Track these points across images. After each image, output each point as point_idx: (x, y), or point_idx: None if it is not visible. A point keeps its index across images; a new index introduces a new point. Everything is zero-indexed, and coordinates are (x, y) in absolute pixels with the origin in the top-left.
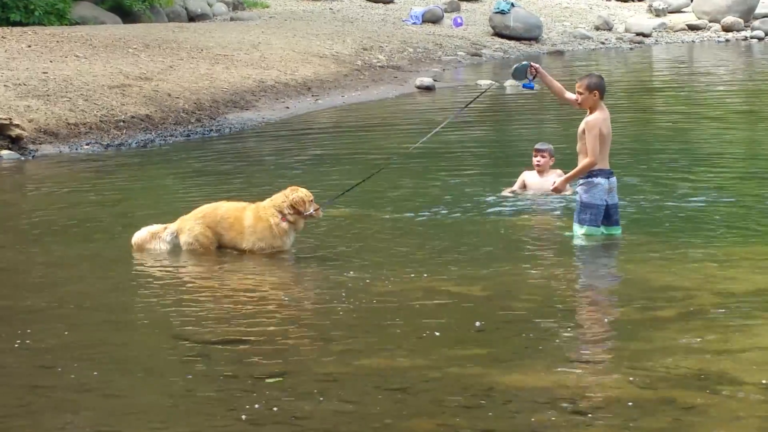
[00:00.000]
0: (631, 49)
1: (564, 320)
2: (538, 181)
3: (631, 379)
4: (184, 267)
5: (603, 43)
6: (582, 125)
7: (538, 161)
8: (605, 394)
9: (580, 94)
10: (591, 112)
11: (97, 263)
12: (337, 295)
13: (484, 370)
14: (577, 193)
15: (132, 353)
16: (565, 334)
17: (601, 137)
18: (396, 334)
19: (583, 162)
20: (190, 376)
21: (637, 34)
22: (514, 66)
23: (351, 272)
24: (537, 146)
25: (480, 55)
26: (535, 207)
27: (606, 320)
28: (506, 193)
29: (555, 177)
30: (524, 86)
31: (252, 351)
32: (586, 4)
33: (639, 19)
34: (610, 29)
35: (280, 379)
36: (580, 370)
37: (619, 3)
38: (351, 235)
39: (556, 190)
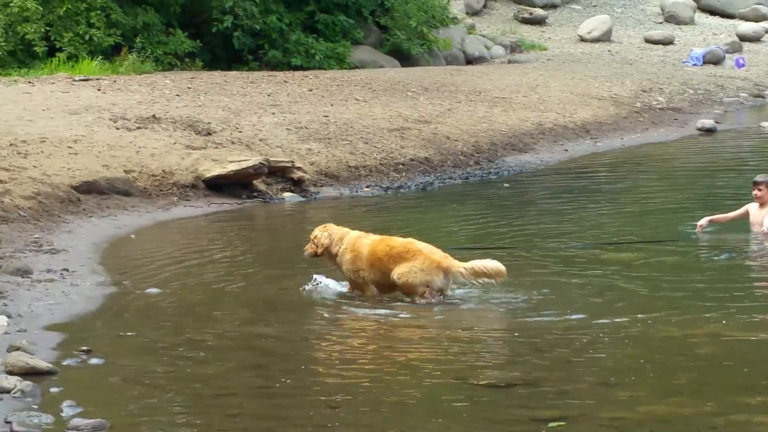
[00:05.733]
0: None
1: None
2: (759, 214)
3: None
4: (465, 309)
5: None
6: None
7: (755, 194)
8: None
9: None
10: None
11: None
12: (619, 339)
13: None
14: None
15: (414, 394)
16: None
17: None
18: (680, 380)
19: None
20: (472, 419)
21: None
22: None
23: (639, 314)
24: (756, 179)
25: (763, 97)
26: None
27: None
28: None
29: None
30: None
31: (533, 394)
32: None
33: None
34: None
35: (562, 423)
36: None
37: None
38: (639, 277)
39: None
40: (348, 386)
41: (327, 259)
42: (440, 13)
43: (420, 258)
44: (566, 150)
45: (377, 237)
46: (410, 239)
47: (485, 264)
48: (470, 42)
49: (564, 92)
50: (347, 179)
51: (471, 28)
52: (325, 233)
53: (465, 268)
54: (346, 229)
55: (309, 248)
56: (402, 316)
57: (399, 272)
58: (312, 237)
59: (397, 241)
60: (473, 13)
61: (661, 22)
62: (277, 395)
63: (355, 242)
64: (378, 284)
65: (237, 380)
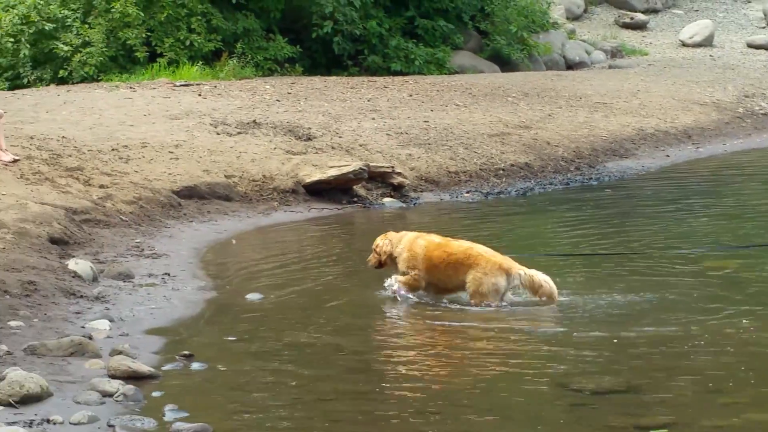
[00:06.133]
0: None
1: None
2: None
3: None
4: (560, 315)
5: None
6: None
7: None
8: None
9: None
10: None
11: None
12: (720, 345)
13: None
14: None
15: (516, 401)
16: None
17: None
18: None
19: None
20: (572, 426)
21: None
22: None
23: (741, 320)
24: None
25: None
26: None
27: None
28: None
29: None
30: None
31: (634, 401)
32: None
33: None
34: None
35: (665, 430)
36: None
37: None
38: (740, 282)
39: None
40: (447, 392)
41: (391, 266)
42: (540, 18)
43: (482, 263)
44: (668, 156)
45: (435, 240)
46: (470, 244)
47: (545, 279)
48: (570, 47)
49: (665, 98)
50: (447, 185)
51: (571, 33)
52: (386, 240)
53: (525, 273)
54: (404, 232)
55: (372, 258)
56: (493, 322)
57: (469, 280)
58: (374, 247)
59: (457, 248)
60: (574, 18)
61: (763, 27)
62: (378, 400)
63: (412, 242)
64: (432, 287)
65: (337, 385)
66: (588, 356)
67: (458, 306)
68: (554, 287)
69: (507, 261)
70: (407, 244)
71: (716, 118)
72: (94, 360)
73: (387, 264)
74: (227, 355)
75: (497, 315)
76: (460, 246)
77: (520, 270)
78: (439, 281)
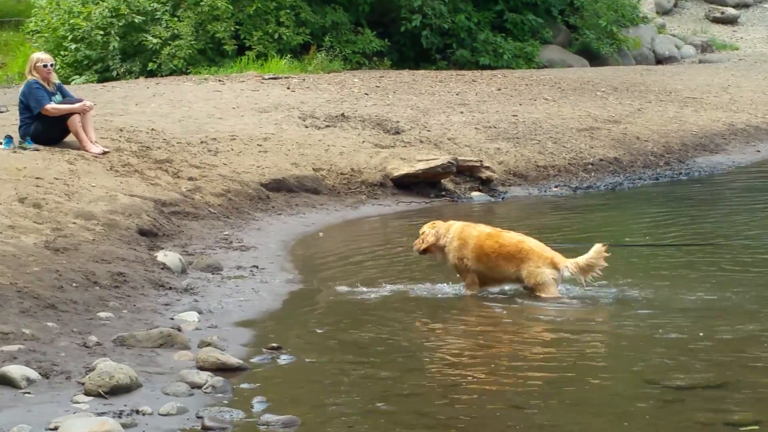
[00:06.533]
0: None
1: None
2: None
3: None
4: (642, 311)
5: None
6: None
7: None
8: None
9: None
10: None
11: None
12: None
13: None
14: None
15: (603, 396)
16: None
17: None
18: None
19: None
20: (660, 422)
21: None
22: None
23: None
24: None
25: None
26: None
27: None
28: None
29: None
30: None
31: (724, 397)
32: None
33: None
34: None
35: (756, 427)
36: None
37: None
38: None
39: None
40: (532, 387)
41: (436, 254)
42: (630, 12)
43: (533, 257)
44: (758, 151)
45: (486, 229)
46: (521, 237)
47: (587, 257)
48: (660, 41)
49: (756, 92)
50: (536, 179)
51: (661, 28)
52: (432, 230)
53: (571, 264)
54: (452, 221)
55: (417, 243)
56: (571, 315)
57: (526, 274)
58: (421, 233)
59: (508, 239)
60: (663, 12)
61: None
62: (465, 394)
63: (462, 230)
64: (481, 275)
65: (427, 379)
66: (676, 351)
67: (543, 302)
68: (597, 249)
69: (556, 256)
70: (456, 233)
71: None
72: (183, 351)
73: (433, 252)
74: (315, 347)
75: (564, 308)
76: (512, 238)
77: (566, 263)
78: (487, 271)
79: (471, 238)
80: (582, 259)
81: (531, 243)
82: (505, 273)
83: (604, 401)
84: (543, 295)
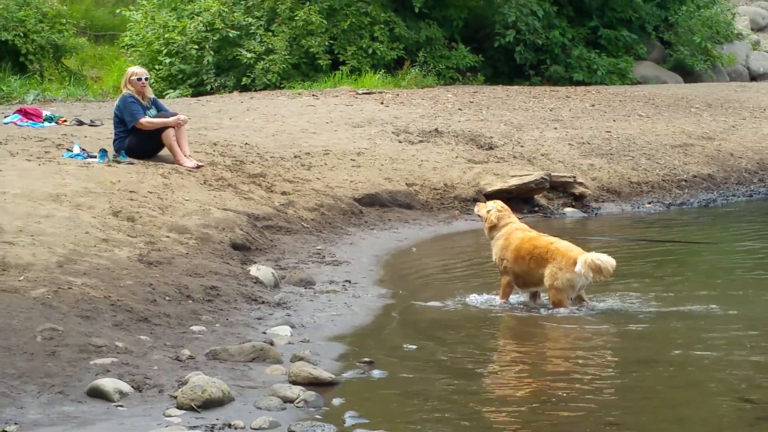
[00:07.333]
0: None
1: None
2: None
3: None
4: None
5: None
6: None
7: None
8: None
9: None
10: None
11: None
12: None
13: None
14: None
15: (696, 413)
16: None
17: None
18: None
19: None
20: None
21: None
22: None
23: None
24: None
25: None
26: None
27: None
28: None
29: None
30: None
31: None
32: None
33: None
34: None
35: None
36: None
37: None
38: None
39: None
40: (625, 403)
41: (486, 233)
42: (725, 28)
43: (558, 257)
44: None
45: (529, 233)
46: (553, 239)
47: (599, 259)
48: (755, 58)
49: None
50: (629, 195)
51: (756, 44)
52: (499, 213)
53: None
54: (514, 219)
55: (481, 207)
56: (642, 325)
57: (547, 274)
58: (494, 204)
59: (541, 242)
60: (758, 29)
61: None
62: (557, 409)
63: (511, 232)
64: (518, 278)
65: (519, 395)
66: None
67: (629, 310)
68: (608, 259)
69: (582, 253)
70: (506, 233)
71: None
72: (276, 366)
73: (485, 224)
74: (407, 363)
75: (638, 317)
76: (545, 240)
77: (584, 255)
78: (523, 272)
79: (514, 241)
80: (594, 256)
81: (560, 244)
82: (537, 276)
83: (697, 419)
84: (552, 299)
